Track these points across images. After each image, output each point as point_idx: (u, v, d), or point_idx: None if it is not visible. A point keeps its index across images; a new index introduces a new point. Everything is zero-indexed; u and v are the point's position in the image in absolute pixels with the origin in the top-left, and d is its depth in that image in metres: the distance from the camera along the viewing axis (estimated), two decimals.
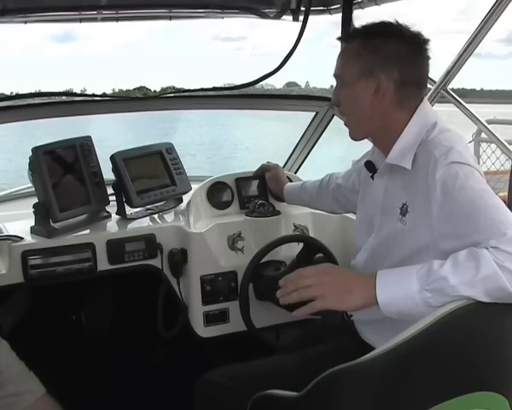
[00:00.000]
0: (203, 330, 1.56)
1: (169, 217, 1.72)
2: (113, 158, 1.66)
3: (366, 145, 1.26)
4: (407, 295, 0.87)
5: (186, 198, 1.77)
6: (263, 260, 1.49)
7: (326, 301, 0.92)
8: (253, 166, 1.81)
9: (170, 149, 1.80)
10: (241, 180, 1.78)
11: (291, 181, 1.74)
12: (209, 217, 1.70)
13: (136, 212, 1.73)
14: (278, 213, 1.66)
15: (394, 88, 1.07)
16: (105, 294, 1.89)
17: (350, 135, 1.12)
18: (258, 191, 1.77)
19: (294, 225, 1.70)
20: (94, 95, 1.71)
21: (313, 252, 1.50)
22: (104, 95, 1.73)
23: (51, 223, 1.52)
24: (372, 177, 1.17)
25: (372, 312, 0.92)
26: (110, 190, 1.68)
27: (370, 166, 1.18)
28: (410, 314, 0.88)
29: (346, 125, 1.12)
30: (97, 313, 1.90)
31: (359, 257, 1.17)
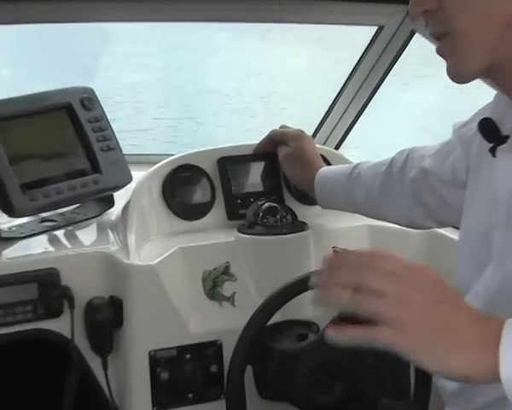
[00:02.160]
0: None
1: (86, 235, 1.33)
2: None
3: (477, 93, 1.09)
4: None
5: (121, 198, 1.31)
6: (272, 322, 1.12)
7: (403, 342, 0.65)
8: (253, 136, 1.38)
9: (88, 99, 1.26)
10: (230, 162, 1.33)
11: (328, 164, 1.33)
12: (167, 235, 1.29)
13: (21, 225, 1.26)
14: (303, 226, 1.26)
15: None
16: None
17: (453, 71, 0.86)
18: (264, 184, 1.34)
19: (335, 251, 1.28)
20: None
21: None
22: None
23: None
24: (493, 151, 0.92)
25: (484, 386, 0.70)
26: None
27: (491, 131, 0.94)
28: None
29: (441, 53, 0.86)
30: None
31: None
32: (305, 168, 1.26)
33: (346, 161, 1.35)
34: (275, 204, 1.25)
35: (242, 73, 7.87)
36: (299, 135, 1.30)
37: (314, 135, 1.65)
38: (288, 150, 1.29)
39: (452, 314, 0.70)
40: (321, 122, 1.66)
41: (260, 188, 1.34)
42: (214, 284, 1.20)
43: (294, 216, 1.24)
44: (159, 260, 1.17)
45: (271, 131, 1.33)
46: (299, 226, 1.23)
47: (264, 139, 1.33)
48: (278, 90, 7.10)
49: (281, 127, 1.34)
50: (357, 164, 1.18)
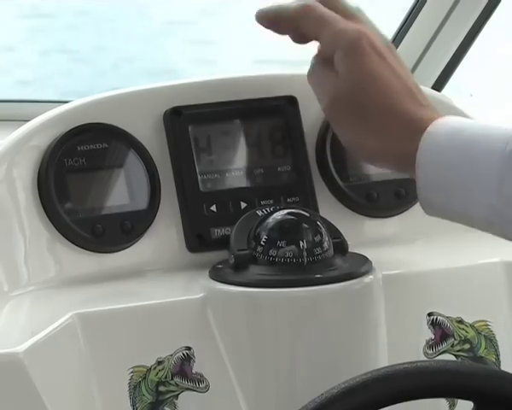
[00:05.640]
0: None
1: None
2: None
3: None
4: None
5: None
6: None
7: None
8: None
9: None
10: (193, 119, 1.00)
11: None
12: (49, 284, 0.98)
13: None
14: (362, 267, 0.94)
15: None
16: None
17: None
18: (269, 168, 1.04)
19: (433, 320, 0.98)
20: None
21: None
22: None
23: None
24: None
25: None
26: None
27: None
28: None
29: None
30: None
31: None
32: (393, 121, 0.90)
33: (464, 115, 0.96)
34: (297, 213, 0.87)
35: None
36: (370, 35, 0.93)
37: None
38: (342, 82, 0.91)
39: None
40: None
41: (260, 178, 0.94)
42: (157, 400, 0.85)
43: (340, 242, 0.87)
44: (31, 343, 0.82)
45: (306, 3, 0.93)
46: (352, 267, 0.88)
47: (288, 11, 0.96)
48: None
49: None
50: None
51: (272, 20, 0.88)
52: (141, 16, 7.05)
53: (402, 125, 0.85)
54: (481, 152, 0.81)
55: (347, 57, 0.88)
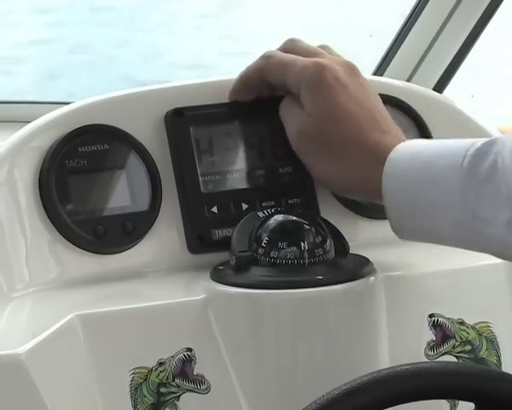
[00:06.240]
0: None
1: None
2: None
3: None
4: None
5: None
6: None
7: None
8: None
9: None
10: (193, 120, 1.02)
11: (423, 134, 1.10)
12: (51, 285, 0.98)
13: None
14: (363, 268, 0.96)
15: None
16: None
17: None
18: (270, 169, 1.07)
19: (435, 321, 0.99)
20: None
21: None
22: None
23: None
24: None
25: None
26: None
27: None
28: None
29: None
30: None
31: None
32: (357, 151, 0.92)
33: (466, 121, 1.02)
34: (298, 215, 0.88)
35: None
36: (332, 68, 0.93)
37: (378, 68, 1.34)
38: (306, 117, 0.94)
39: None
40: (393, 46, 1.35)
41: (261, 179, 0.94)
42: (158, 401, 0.85)
43: (342, 244, 0.88)
44: (32, 344, 0.83)
45: (265, 54, 0.96)
46: (353, 268, 0.88)
47: (249, 69, 0.96)
48: None
49: (288, 43, 0.96)
50: (490, 141, 0.83)
51: (243, 88, 0.92)
52: (167, 10, 7.14)
53: (366, 154, 0.89)
54: (441, 169, 0.85)
55: (309, 90, 0.91)
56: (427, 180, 0.85)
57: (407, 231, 0.86)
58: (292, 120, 0.92)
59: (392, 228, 0.86)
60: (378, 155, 0.85)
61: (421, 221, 0.86)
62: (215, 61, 5.07)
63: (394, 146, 0.85)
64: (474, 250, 0.85)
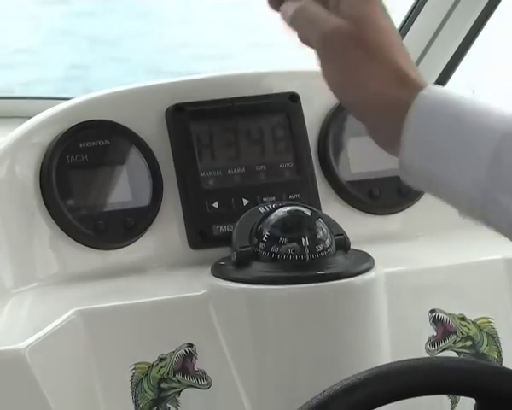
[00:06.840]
0: None
1: None
2: None
3: None
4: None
5: None
6: None
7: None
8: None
9: None
10: (195, 116, 1.02)
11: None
12: (52, 281, 0.99)
13: None
14: (363, 263, 0.95)
15: None
16: None
17: None
18: (271, 164, 1.05)
19: (436, 317, 0.99)
20: None
21: None
22: None
23: None
24: None
25: None
26: None
27: None
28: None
29: None
30: None
31: None
32: (389, 68, 0.92)
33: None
34: (299, 210, 0.90)
35: None
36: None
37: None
38: (350, 18, 0.99)
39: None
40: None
41: (262, 175, 0.96)
42: (159, 397, 0.87)
43: (343, 239, 0.91)
44: (34, 339, 0.84)
45: None
46: (354, 264, 0.90)
47: None
48: None
49: None
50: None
51: None
52: (185, 2, 7.23)
53: (398, 76, 0.84)
54: (480, 125, 0.84)
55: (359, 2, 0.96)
56: (463, 129, 0.79)
57: (417, 173, 0.83)
58: (322, 19, 0.96)
59: (400, 163, 0.83)
60: (410, 82, 0.85)
61: (438, 167, 0.82)
62: (239, 53, 5.12)
63: (426, 85, 0.88)
64: (481, 220, 0.86)
